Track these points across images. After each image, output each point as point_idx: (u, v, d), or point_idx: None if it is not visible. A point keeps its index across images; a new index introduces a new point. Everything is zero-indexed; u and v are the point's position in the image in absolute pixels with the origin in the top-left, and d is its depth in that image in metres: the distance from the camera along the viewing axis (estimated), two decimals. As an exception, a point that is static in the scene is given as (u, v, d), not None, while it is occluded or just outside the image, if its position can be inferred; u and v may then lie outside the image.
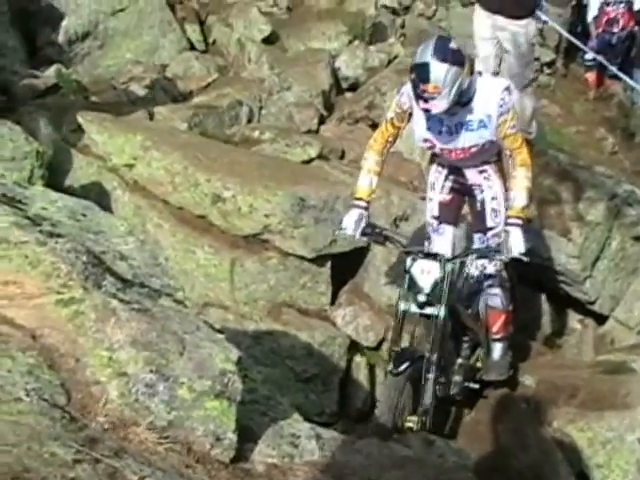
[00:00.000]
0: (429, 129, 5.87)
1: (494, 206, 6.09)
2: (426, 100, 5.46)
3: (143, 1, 10.12)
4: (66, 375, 3.19)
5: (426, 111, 5.56)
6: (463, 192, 6.34)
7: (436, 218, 6.31)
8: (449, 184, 6.32)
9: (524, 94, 8.45)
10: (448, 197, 6.32)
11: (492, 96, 5.68)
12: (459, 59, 5.49)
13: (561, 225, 7.87)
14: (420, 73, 5.44)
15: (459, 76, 5.45)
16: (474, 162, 6.11)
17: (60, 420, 3.00)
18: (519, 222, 5.69)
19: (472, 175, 6.19)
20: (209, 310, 6.36)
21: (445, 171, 6.32)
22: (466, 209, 6.49)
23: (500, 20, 8.25)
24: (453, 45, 5.56)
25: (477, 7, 8.53)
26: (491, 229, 6.11)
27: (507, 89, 5.76)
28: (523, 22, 8.29)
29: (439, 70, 5.39)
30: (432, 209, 6.35)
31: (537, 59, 11.42)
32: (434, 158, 6.40)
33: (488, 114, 5.70)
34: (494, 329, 6.47)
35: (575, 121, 11.19)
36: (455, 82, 5.43)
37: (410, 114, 5.85)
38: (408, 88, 5.72)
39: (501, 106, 5.67)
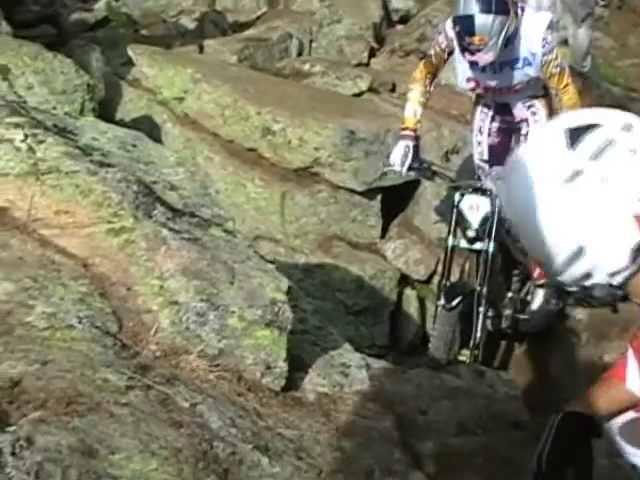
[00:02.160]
0: (472, 68, 5.73)
1: None
2: (472, 52, 5.36)
3: None
4: (117, 303, 3.20)
5: (473, 64, 5.49)
6: (510, 130, 6.23)
7: (486, 162, 6.22)
8: (496, 125, 6.22)
9: (581, 28, 8.31)
10: (497, 139, 6.24)
11: (536, 34, 5.55)
12: (504, 7, 5.33)
13: (614, 160, 7.74)
14: (464, 26, 5.32)
15: (505, 25, 5.31)
16: (521, 97, 6.01)
17: (112, 347, 3.01)
18: None
19: (519, 111, 6.10)
20: (260, 243, 6.35)
21: (491, 112, 6.22)
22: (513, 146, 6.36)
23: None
24: None
25: None
26: None
27: (550, 26, 5.63)
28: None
29: (484, 21, 5.26)
30: (482, 153, 6.27)
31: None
32: (479, 99, 6.30)
33: (532, 52, 5.58)
34: (536, 274, 6.39)
35: (630, 54, 11.01)
36: (501, 32, 5.30)
37: (450, 53, 5.76)
38: (447, 26, 5.63)
39: (544, 46, 5.54)
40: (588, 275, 2.12)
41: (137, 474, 2.53)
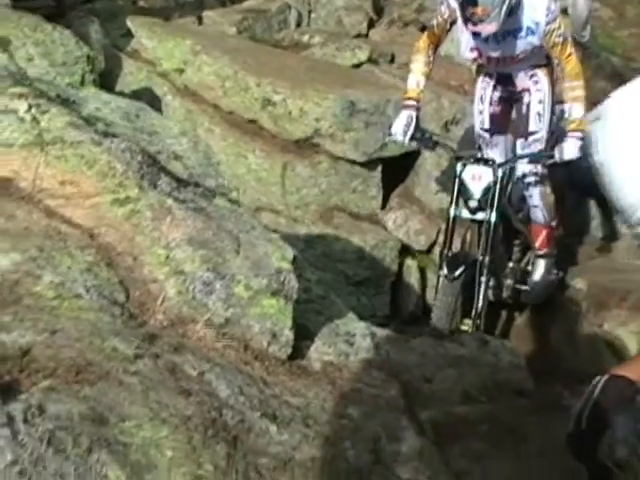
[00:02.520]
0: (475, 38, 5.68)
1: (539, 110, 5.99)
2: (475, 23, 5.32)
3: None
4: (124, 273, 3.21)
5: (475, 34, 5.44)
6: (512, 100, 6.25)
7: (487, 130, 6.23)
8: (498, 94, 6.23)
9: (578, -2, 8.30)
10: (498, 108, 6.24)
11: (539, 3, 5.55)
12: None
13: (613, 128, 7.76)
14: None
15: None
16: (523, 66, 6.01)
17: (120, 317, 3.02)
18: (578, 135, 5.58)
19: (521, 80, 6.10)
20: (261, 214, 6.35)
21: (493, 81, 6.21)
22: (514, 116, 6.37)
23: None
24: None
25: None
26: (533, 133, 6.02)
27: None
28: None
29: None
30: (482, 121, 6.26)
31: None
32: (480, 69, 6.29)
33: (536, 21, 5.58)
34: (537, 244, 6.44)
35: (628, 24, 11.01)
36: (504, 2, 5.27)
37: (452, 23, 5.74)
38: None
39: (547, 15, 5.54)
40: None
41: (147, 441, 2.54)
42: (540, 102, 6.01)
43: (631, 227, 2.18)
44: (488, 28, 5.35)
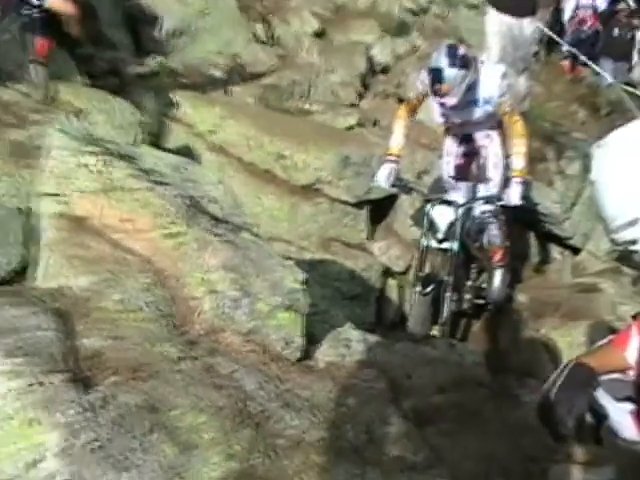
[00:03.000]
0: (442, 107, 5.70)
1: (495, 160, 5.99)
2: (441, 96, 5.42)
3: (222, 6, 10.04)
4: (173, 292, 3.17)
5: (441, 104, 5.51)
6: (472, 154, 6.22)
7: (453, 177, 6.23)
8: (462, 149, 6.22)
9: (521, 77, 8.35)
10: (461, 160, 6.23)
11: (493, 81, 5.60)
12: (466, 63, 5.40)
13: (546, 178, 7.87)
14: (435, 75, 5.37)
15: (466, 77, 5.38)
16: (481, 129, 6.01)
17: (168, 326, 3.01)
18: (519, 180, 5.64)
19: (479, 139, 6.10)
20: (274, 244, 6.26)
21: (457, 140, 6.21)
22: (474, 166, 6.37)
23: (505, 18, 8.09)
24: (461, 51, 5.46)
25: (488, 7, 8.39)
26: (491, 179, 6.00)
27: (504, 75, 5.69)
28: (524, 20, 8.15)
29: (450, 74, 5.32)
30: (449, 171, 6.26)
31: (536, 54, 11.43)
32: (448, 130, 6.28)
33: (490, 95, 5.62)
34: (495, 260, 6.38)
35: (555, 98, 11.06)
36: (463, 82, 5.37)
37: (425, 95, 5.76)
38: (423, 76, 5.64)
39: (499, 90, 5.60)
40: (634, 242, 2.17)
41: (191, 426, 2.53)
42: (495, 155, 5.99)
43: (611, 233, 2.19)
44: (450, 101, 5.42)
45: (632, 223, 2.14)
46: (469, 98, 5.63)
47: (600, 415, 2.40)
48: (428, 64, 5.58)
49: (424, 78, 5.62)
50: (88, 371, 2.58)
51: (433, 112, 5.98)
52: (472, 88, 5.55)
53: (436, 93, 5.41)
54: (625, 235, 2.18)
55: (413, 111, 5.92)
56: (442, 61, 5.35)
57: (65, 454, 2.24)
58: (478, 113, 5.78)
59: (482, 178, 6.11)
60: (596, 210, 2.35)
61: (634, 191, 2.12)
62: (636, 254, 2.20)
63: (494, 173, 6.00)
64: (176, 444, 2.41)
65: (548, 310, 6.53)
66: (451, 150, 6.25)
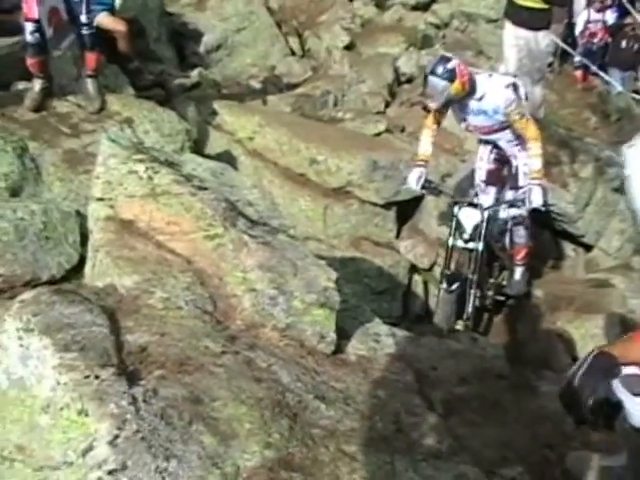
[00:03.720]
0: (461, 111, 5.80)
1: (525, 170, 5.91)
2: (427, 97, 5.62)
3: (258, 22, 10.07)
4: (213, 290, 3.16)
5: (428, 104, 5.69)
6: (503, 161, 6.18)
7: (484, 182, 6.18)
8: (493, 156, 6.17)
9: (537, 86, 8.23)
10: (492, 166, 6.18)
11: (499, 93, 5.57)
12: (450, 76, 5.40)
13: (561, 180, 7.77)
14: (424, 79, 5.49)
15: (446, 89, 5.40)
16: (506, 136, 5.94)
17: (209, 323, 2.98)
18: (538, 182, 5.58)
19: (507, 147, 6.03)
20: (308, 243, 6.25)
21: (489, 147, 6.16)
22: (505, 173, 6.33)
23: (521, 31, 7.99)
24: (450, 65, 5.43)
25: (506, 21, 8.30)
26: (522, 187, 5.93)
27: (509, 86, 5.60)
28: (539, 34, 8.03)
29: (432, 82, 5.40)
30: (481, 175, 6.21)
31: (550, 64, 11.35)
32: (480, 140, 6.25)
33: (497, 105, 5.59)
34: (518, 258, 6.37)
35: (568, 105, 10.97)
36: (443, 92, 5.41)
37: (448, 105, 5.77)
38: None
39: (506, 100, 5.54)
40: None
41: (231, 417, 2.50)
42: (525, 164, 5.92)
43: None
44: (432, 105, 5.59)
45: None
46: (480, 108, 5.65)
47: (617, 405, 2.36)
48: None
49: None
50: (135, 365, 2.56)
51: (456, 115, 5.95)
52: (480, 97, 5.58)
53: (424, 94, 5.64)
54: None
55: (438, 120, 5.88)
56: (429, 71, 5.46)
57: (112, 444, 2.21)
58: (491, 122, 5.75)
59: (513, 185, 6.06)
60: (628, 202, 2.37)
61: None
62: None
63: (525, 181, 5.93)
64: (215, 434, 2.38)
65: (563, 304, 6.47)
66: (484, 156, 6.21)
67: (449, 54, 5.94)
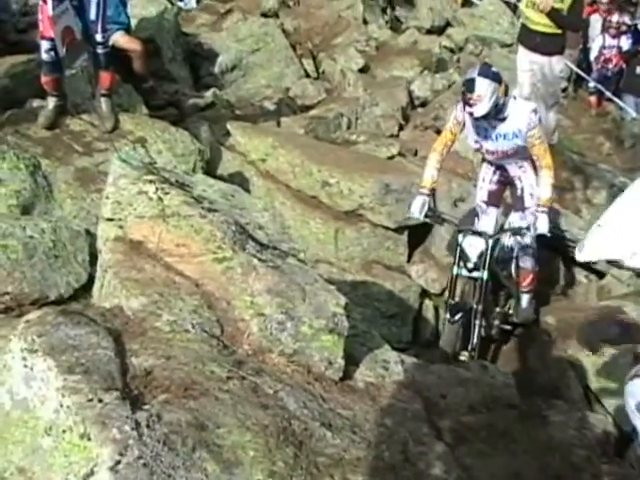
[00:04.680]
0: (477, 134, 5.72)
1: (531, 191, 5.88)
2: (471, 105, 5.34)
3: (273, 43, 10.09)
4: (220, 314, 3.13)
5: (470, 114, 5.41)
6: (505, 182, 6.13)
7: (485, 202, 6.13)
8: (496, 177, 6.12)
9: (550, 111, 8.22)
10: (494, 187, 6.13)
11: (522, 116, 5.50)
12: (497, 78, 5.38)
13: (574, 206, 7.78)
14: (468, 85, 5.34)
15: (496, 90, 5.33)
16: (514, 160, 5.90)
17: (216, 347, 2.95)
18: (546, 210, 5.55)
19: (513, 169, 5.99)
20: (319, 266, 6.23)
21: (493, 168, 6.11)
22: (507, 195, 6.29)
23: (535, 56, 7.99)
24: (494, 69, 5.49)
25: (519, 45, 8.31)
26: (528, 208, 5.90)
27: (534, 111, 5.57)
28: (553, 59, 8.03)
29: (482, 84, 5.28)
30: (482, 196, 6.16)
31: (564, 89, 11.36)
32: (484, 159, 6.19)
33: (519, 128, 5.52)
34: (524, 284, 6.30)
35: (582, 131, 10.98)
36: (493, 94, 5.31)
37: (463, 124, 5.69)
38: (461, 106, 5.58)
39: (529, 124, 5.47)
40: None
41: (236, 444, 2.47)
42: (531, 186, 5.90)
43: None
44: (479, 110, 5.35)
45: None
46: (499, 131, 5.60)
47: (632, 433, 2.34)
48: (463, 78, 5.76)
49: (461, 106, 5.59)
50: (140, 389, 2.53)
51: (468, 138, 5.88)
52: (502, 118, 5.51)
53: (467, 102, 5.37)
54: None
55: (448, 145, 5.80)
56: (476, 72, 5.39)
57: (114, 470, 2.18)
58: (508, 146, 5.69)
59: (519, 207, 6.01)
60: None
61: None
62: None
63: (531, 202, 5.90)
64: (219, 462, 2.35)
65: (574, 331, 6.38)
66: (486, 176, 6.16)
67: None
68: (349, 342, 3.31)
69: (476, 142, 5.84)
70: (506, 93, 5.51)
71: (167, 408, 2.47)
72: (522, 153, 5.75)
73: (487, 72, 5.38)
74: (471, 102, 5.33)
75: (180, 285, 3.18)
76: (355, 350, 3.46)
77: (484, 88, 5.29)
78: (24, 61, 6.67)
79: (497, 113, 5.47)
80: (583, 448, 3.43)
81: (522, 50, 8.18)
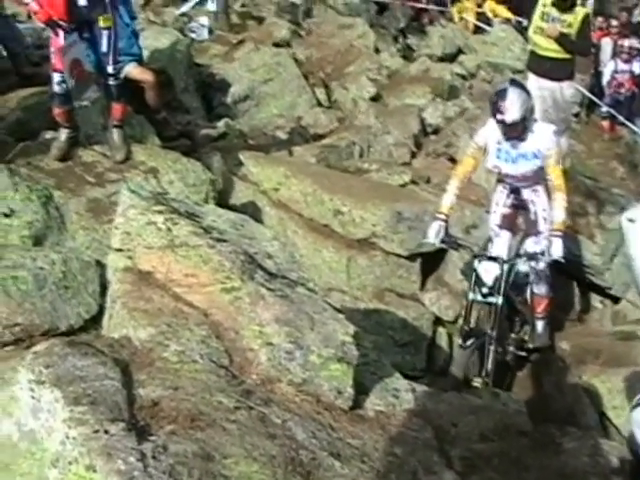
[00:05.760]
0: (498, 158, 5.82)
1: (545, 215, 5.92)
2: (502, 112, 5.46)
3: (285, 73, 10.16)
4: (228, 344, 3.13)
5: (502, 122, 5.52)
6: (519, 206, 6.18)
7: (498, 226, 6.15)
8: (509, 201, 6.17)
9: (562, 137, 8.24)
10: (508, 211, 6.17)
11: (544, 137, 5.64)
12: (527, 91, 5.63)
13: (588, 231, 7.75)
14: (500, 94, 5.51)
15: (526, 101, 5.50)
16: (529, 183, 5.97)
17: (224, 377, 2.94)
18: (559, 234, 5.56)
19: (527, 193, 6.05)
20: (331, 294, 6.21)
21: (507, 191, 6.17)
22: (520, 219, 6.30)
23: (545, 82, 8.02)
24: (523, 82, 5.85)
25: (529, 72, 8.35)
26: (542, 232, 5.91)
27: (554, 133, 5.74)
28: (563, 84, 8.06)
29: (513, 92, 5.47)
30: (495, 219, 6.19)
31: (577, 114, 11.39)
32: (499, 181, 6.25)
33: (539, 149, 5.63)
34: (538, 310, 6.32)
35: (595, 156, 11.01)
36: (524, 104, 5.47)
37: (485, 150, 5.79)
38: (482, 130, 5.79)
39: (549, 143, 5.61)
40: None
41: (243, 475, 2.45)
42: (544, 210, 5.96)
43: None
44: (510, 116, 5.45)
45: None
46: (520, 151, 5.70)
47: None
48: (493, 91, 5.92)
49: (483, 131, 5.79)
50: (146, 420, 2.53)
51: (487, 162, 5.95)
52: (524, 141, 5.63)
53: (498, 110, 5.48)
54: None
55: (469, 171, 5.88)
56: (507, 85, 5.59)
57: (119, 503, 2.18)
58: (527, 167, 5.77)
59: (533, 232, 6.01)
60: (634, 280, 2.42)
61: None
62: None
63: (544, 226, 5.91)
64: (226, 494, 2.34)
65: (589, 357, 6.39)
66: (500, 200, 6.21)
67: None
68: (359, 371, 3.30)
69: (495, 167, 5.94)
70: (532, 110, 5.67)
71: (173, 439, 2.46)
72: (539, 175, 5.78)
73: (518, 84, 5.64)
74: (502, 109, 5.47)
75: (188, 315, 3.18)
76: (365, 379, 3.44)
77: (516, 96, 5.45)
78: (37, 93, 6.75)
79: (524, 130, 5.59)
80: (597, 476, 3.39)
81: (532, 76, 8.22)
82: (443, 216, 5.73)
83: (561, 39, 7.81)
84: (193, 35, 10.86)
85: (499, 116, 5.48)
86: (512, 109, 5.42)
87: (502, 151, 5.76)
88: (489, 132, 5.75)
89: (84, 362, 2.72)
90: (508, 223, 6.16)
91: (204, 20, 11.32)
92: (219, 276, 3.29)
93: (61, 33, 5.57)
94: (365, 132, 9.35)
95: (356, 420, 3.08)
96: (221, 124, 8.59)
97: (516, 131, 5.56)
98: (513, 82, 5.69)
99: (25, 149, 6.06)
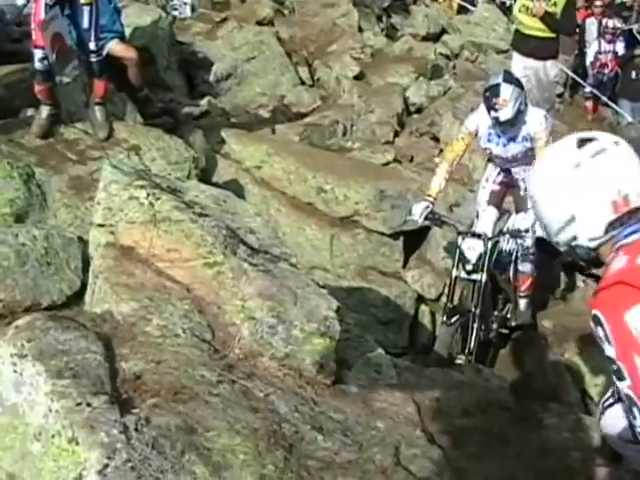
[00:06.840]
0: (489, 141, 5.88)
1: None
2: (496, 110, 5.48)
3: (268, 51, 10.09)
4: (211, 318, 3.13)
5: (495, 119, 5.55)
6: (509, 184, 6.22)
7: (486, 202, 6.18)
8: (499, 178, 6.21)
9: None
10: (497, 187, 6.21)
11: (534, 121, 5.69)
12: (520, 84, 5.64)
13: (570, 211, 7.70)
14: (493, 90, 5.52)
15: (520, 95, 5.53)
16: (518, 163, 6.00)
17: (207, 351, 2.95)
18: None
19: (518, 171, 6.07)
20: (314, 272, 6.21)
21: (498, 169, 6.21)
22: (509, 199, 6.36)
23: (529, 61, 8.03)
24: (515, 76, 5.82)
25: (513, 51, 8.37)
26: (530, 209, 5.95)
27: (544, 116, 5.78)
28: (547, 63, 8.07)
29: (507, 89, 5.48)
30: (484, 195, 6.22)
31: (560, 95, 11.39)
32: (490, 160, 6.29)
33: (529, 132, 5.70)
34: (522, 288, 6.34)
35: (578, 137, 11.00)
36: (517, 98, 5.50)
37: (475, 134, 5.84)
38: (473, 116, 5.86)
39: (539, 125, 5.66)
40: (574, 237, 2.38)
41: (225, 447, 2.46)
42: None
43: (553, 237, 2.46)
44: (505, 114, 5.49)
45: (570, 221, 2.35)
46: (511, 134, 5.73)
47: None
48: (485, 85, 5.87)
49: (474, 116, 5.84)
50: (129, 393, 2.53)
51: (479, 142, 5.97)
52: (518, 121, 5.64)
53: (492, 107, 5.51)
54: (566, 234, 2.39)
55: (459, 155, 5.89)
56: (500, 78, 5.58)
57: (102, 474, 2.17)
58: (517, 149, 5.82)
59: (522, 208, 6.02)
60: (538, 219, 2.54)
61: (567, 191, 2.34)
62: (579, 248, 2.40)
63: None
64: (208, 465, 2.34)
65: (572, 335, 6.36)
66: (490, 177, 6.25)
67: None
68: (342, 346, 3.31)
69: (486, 149, 5.99)
70: (525, 98, 5.69)
71: (156, 412, 2.46)
72: (529, 156, 5.82)
73: (510, 78, 5.62)
74: (497, 107, 5.49)
75: (171, 290, 3.18)
76: (348, 354, 3.46)
77: (509, 93, 5.47)
78: (18, 70, 6.67)
79: (518, 119, 5.61)
80: (578, 451, 3.42)
81: (516, 56, 8.23)
82: (431, 198, 5.77)
83: (546, 18, 7.80)
84: (175, 13, 10.76)
85: (493, 113, 5.53)
86: (506, 108, 5.46)
87: (493, 135, 5.81)
88: (480, 117, 5.78)
89: (66, 336, 2.71)
90: (496, 200, 6.19)
91: (187, -2, 11.23)
92: (201, 251, 3.28)
93: (42, 6, 5.51)
94: (348, 111, 9.33)
95: (338, 395, 3.09)
96: (204, 102, 8.54)
97: (509, 124, 5.61)
98: (506, 75, 5.67)
99: (6, 126, 6.00)
